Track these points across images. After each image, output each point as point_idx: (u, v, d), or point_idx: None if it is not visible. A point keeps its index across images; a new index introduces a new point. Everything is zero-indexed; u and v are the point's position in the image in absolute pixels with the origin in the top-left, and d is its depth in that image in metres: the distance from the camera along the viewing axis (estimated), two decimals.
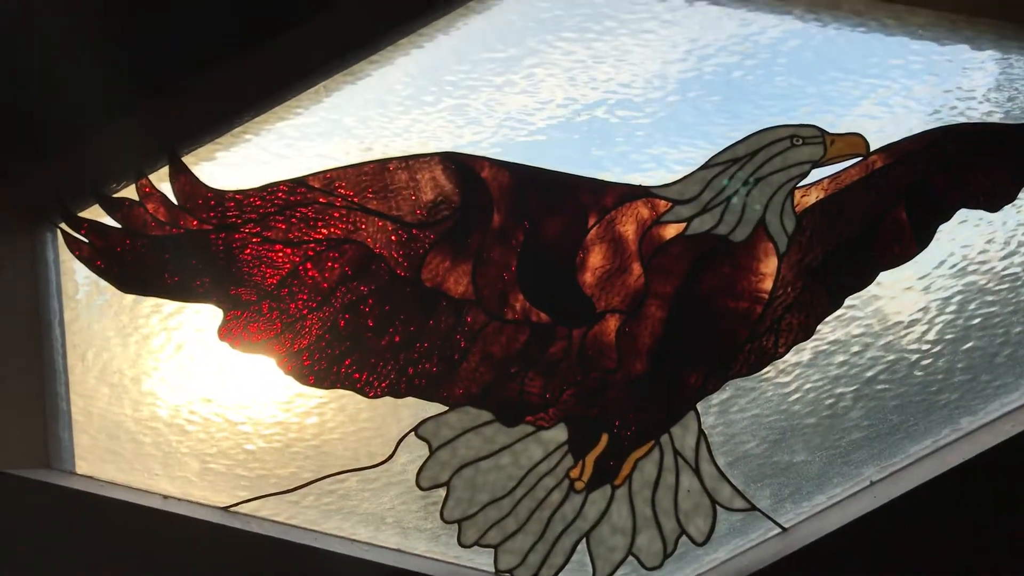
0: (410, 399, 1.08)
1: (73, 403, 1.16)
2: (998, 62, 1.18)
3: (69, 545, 1.11)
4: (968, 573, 1.10)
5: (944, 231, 1.09)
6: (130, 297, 1.13)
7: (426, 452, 1.09)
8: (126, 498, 1.11)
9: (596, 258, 1.09)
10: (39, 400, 1.14)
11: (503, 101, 1.17)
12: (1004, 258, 1.16)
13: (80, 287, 1.16)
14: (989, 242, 1.15)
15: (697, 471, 1.11)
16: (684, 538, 1.10)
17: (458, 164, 1.07)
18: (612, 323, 1.10)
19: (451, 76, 1.16)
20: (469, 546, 1.10)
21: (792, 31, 1.16)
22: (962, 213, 1.10)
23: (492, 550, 1.10)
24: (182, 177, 1.03)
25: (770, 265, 1.10)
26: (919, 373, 1.13)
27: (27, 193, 1.11)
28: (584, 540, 1.11)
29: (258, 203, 1.04)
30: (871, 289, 1.10)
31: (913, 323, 1.14)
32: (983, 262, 1.15)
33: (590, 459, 1.10)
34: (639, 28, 1.15)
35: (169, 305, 1.13)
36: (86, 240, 1.03)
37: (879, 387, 1.14)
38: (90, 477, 1.14)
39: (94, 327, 1.16)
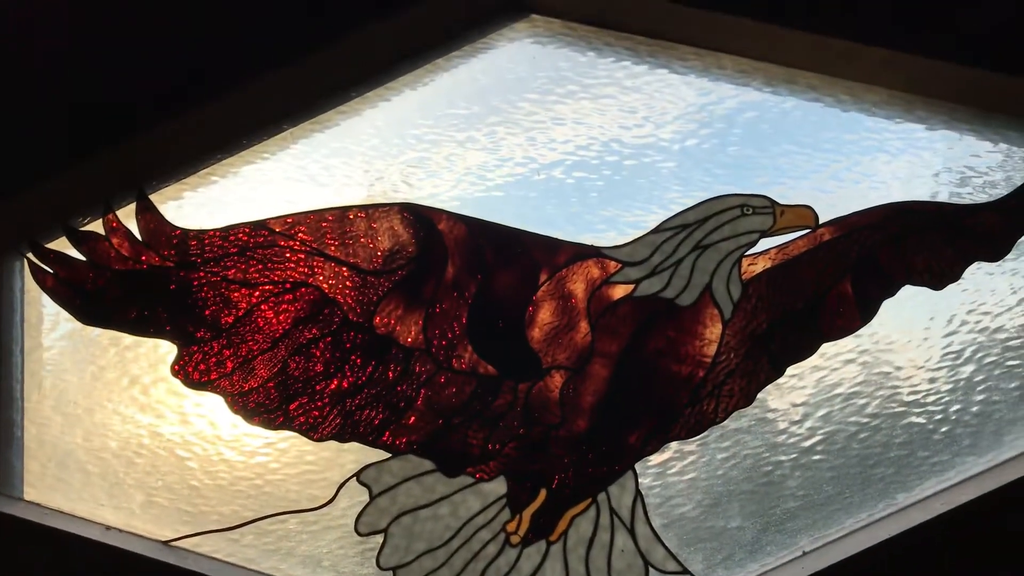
0: (354, 444, 1.14)
1: (26, 430, 1.22)
2: (949, 143, 1.24)
3: (11, 572, 1.16)
4: None
5: (887, 306, 1.14)
6: (91, 329, 1.19)
7: (367, 498, 1.13)
8: (69, 528, 1.16)
9: (545, 314, 1.14)
10: None
11: (464, 156, 1.24)
12: (945, 336, 1.21)
13: (43, 317, 1.23)
14: (932, 319, 1.20)
15: (632, 531, 1.14)
16: None
17: (416, 215, 1.13)
18: (557, 379, 1.15)
19: (415, 129, 1.25)
20: None
21: (749, 102, 1.24)
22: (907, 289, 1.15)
23: None
24: (148, 214, 1.09)
25: (714, 331, 1.15)
26: (856, 446, 1.18)
27: None
28: None
29: (219, 244, 1.10)
30: (813, 360, 1.15)
31: (853, 395, 1.19)
32: (925, 339, 1.20)
33: (527, 514, 1.14)
34: (599, 93, 1.23)
35: (127, 339, 1.19)
36: (51, 271, 1.09)
37: (816, 457, 1.18)
38: (37, 504, 1.19)
39: (53, 356, 1.23)
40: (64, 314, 1.12)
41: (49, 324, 1.23)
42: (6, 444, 1.20)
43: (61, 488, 1.20)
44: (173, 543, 1.16)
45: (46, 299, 1.14)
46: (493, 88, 1.24)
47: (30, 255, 1.10)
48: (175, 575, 1.14)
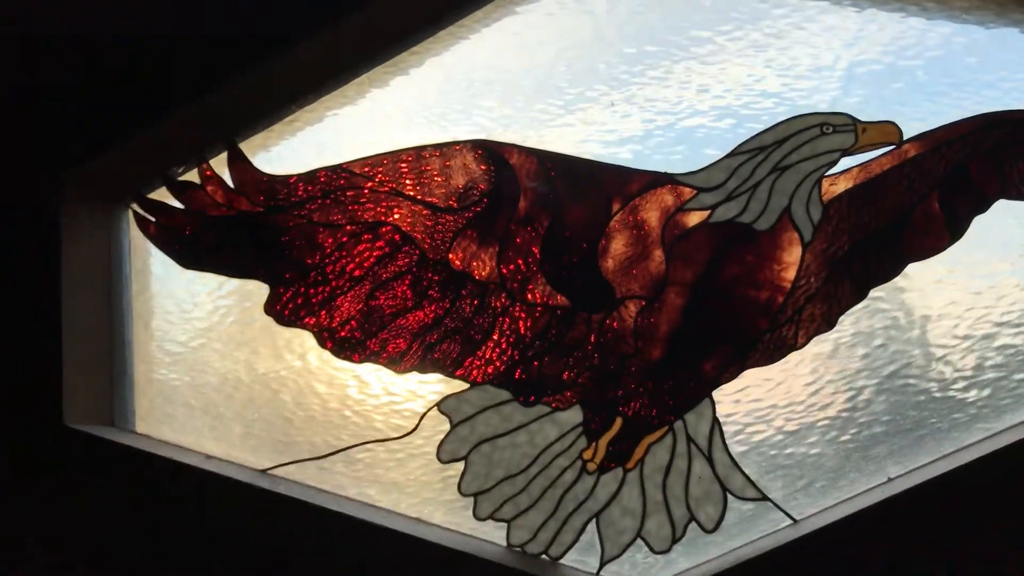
0: (435, 375, 1.24)
1: (136, 368, 1.38)
2: None
3: (126, 496, 1.32)
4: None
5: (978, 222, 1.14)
6: (189, 272, 1.31)
7: (447, 427, 1.23)
8: (176, 456, 1.31)
9: (618, 244, 1.21)
10: (107, 364, 1.36)
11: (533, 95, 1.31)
12: None
13: (147, 262, 1.39)
14: None
15: (710, 459, 1.20)
16: (693, 524, 1.20)
17: (488, 151, 1.21)
18: (632, 309, 1.21)
19: (486, 72, 1.32)
20: (483, 519, 1.23)
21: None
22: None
23: (505, 524, 1.23)
24: (238, 163, 1.22)
25: (794, 254, 1.18)
26: (945, 369, 1.18)
27: (104, 175, 1.34)
28: (594, 520, 1.22)
29: (303, 188, 1.21)
30: (898, 281, 1.17)
31: (941, 317, 1.19)
32: (1021, 256, 1.19)
33: (603, 442, 1.22)
34: None
35: (223, 280, 1.33)
36: (153, 219, 1.23)
37: (901, 382, 1.19)
38: (147, 436, 1.35)
39: (157, 299, 1.38)
40: (166, 259, 1.24)
41: (152, 269, 1.39)
42: (120, 381, 1.36)
43: (167, 421, 1.36)
44: (270, 471, 1.30)
45: (149, 246, 1.27)
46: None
47: (134, 205, 1.24)
48: (272, 500, 1.27)
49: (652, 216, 1.21)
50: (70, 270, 1.32)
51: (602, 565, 1.23)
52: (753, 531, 1.21)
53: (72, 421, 1.31)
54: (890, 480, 1.18)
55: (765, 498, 1.20)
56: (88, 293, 1.35)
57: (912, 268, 1.17)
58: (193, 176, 1.22)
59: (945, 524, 1.15)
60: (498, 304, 1.22)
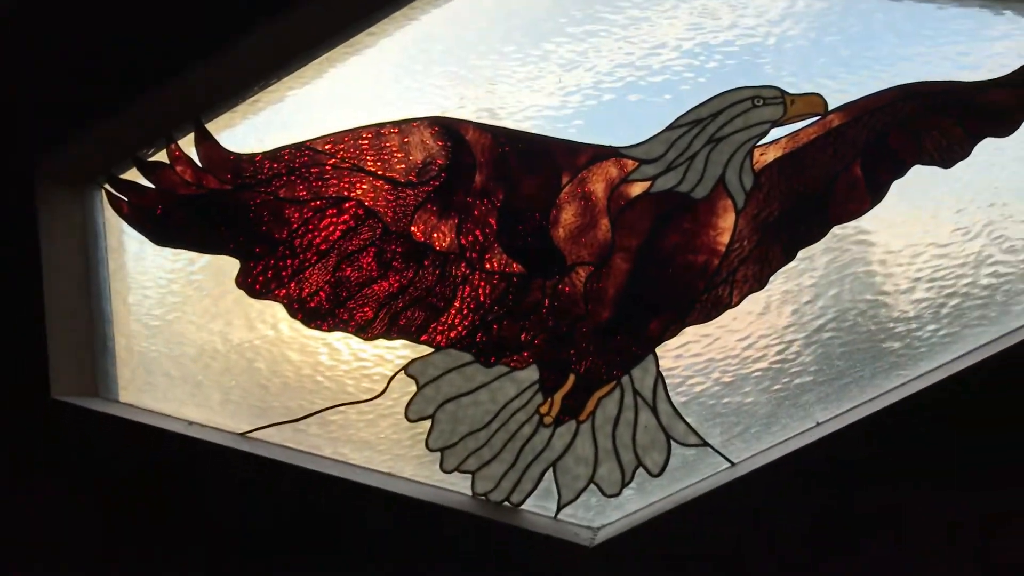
0: (401, 341, 1.33)
1: (117, 342, 1.47)
2: (959, 21, 1.31)
3: (113, 462, 1.42)
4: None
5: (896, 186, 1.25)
6: (163, 249, 1.38)
7: (414, 388, 1.33)
8: (158, 424, 1.41)
9: (568, 215, 1.30)
10: (89, 339, 1.45)
11: (492, 66, 1.39)
12: (956, 212, 1.32)
13: (121, 240, 1.47)
14: (940, 197, 1.30)
15: (654, 409, 1.32)
16: (641, 470, 1.32)
17: (445, 127, 1.29)
18: (582, 274, 1.31)
19: (441, 45, 1.39)
20: (450, 472, 1.34)
21: None
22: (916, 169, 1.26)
23: (470, 476, 1.34)
24: (205, 142, 1.28)
25: (728, 220, 1.29)
26: (866, 322, 1.31)
27: (76, 158, 1.41)
28: (551, 469, 1.34)
29: (268, 165, 1.28)
30: (824, 242, 1.28)
31: (864, 275, 1.32)
32: (932, 216, 1.30)
33: (558, 397, 1.33)
34: None
35: (195, 256, 1.42)
36: (125, 199, 1.30)
37: (827, 335, 1.32)
38: (130, 405, 1.44)
39: (133, 275, 1.47)
40: (140, 237, 1.31)
41: (126, 247, 1.46)
42: (102, 354, 1.45)
43: (149, 390, 1.45)
44: (248, 434, 1.40)
45: (123, 224, 1.35)
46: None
47: (107, 186, 1.31)
48: (251, 462, 1.37)
49: (598, 188, 1.30)
50: (49, 251, 1.40)
51: (559, 509, 1.34)
52: (695, 474, 1.33)
53: (58, 394, 1.40)
54: (818, 424, 1.31)
55: (705, 444, 1.33)
56: (67, 272, 1.43)
57: (836, 230, 1.28)
58: (163, 157, 1.28)
59: (868, 463, 1.28)
60: (459, 273, 1.31)
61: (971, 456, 1.26)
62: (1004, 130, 1.28)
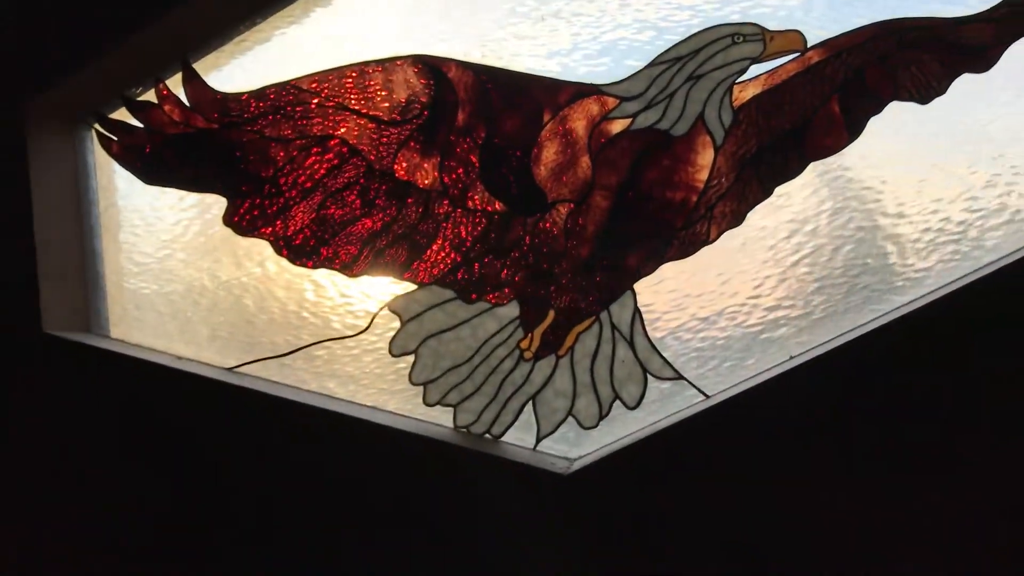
0: (385, 278, 1.37)
1: (107, 279, 1.52)
2: None
3: (103, 396, 1.47)
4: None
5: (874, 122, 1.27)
6: (152, 187, 1.42)
7: (398, 324, 1.37)
8: (149, 358, 1.46)
9: (549, 152, 1.33)
10: (79, 275, 1.50)
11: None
12: (929, 150, 1.33)
13: (111, 179, 1.51)
14: (916, 134, 1.32)
15: (631, 344, 1.35)
16: (618, 403, 1.35)
17: (428, 65, 1.32)
18: (562, 211, 1.34)
19: None
20: (432, 405, 1.39)
21: None
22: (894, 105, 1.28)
23: (452, 409, 1.39)
24: (193, 82, 1.31)
25: (707, 157, 1.31)
26: (841, 258, 1.34)
27: (66, 99, 1.45)
28: (531, 402, 1.38)
29: (254, 104, 1.32)
30: (801, 178, 1.31)
31: (839, 211, 1.34)
32: (910, 148, 1.32)
33: (538, 332, 1.37)
34: None
35: (183, 194, 1.46)
36: (115, 138, 1.33)
37: (803, 270, 1.35)
38: (121, 340, 1.49)
39: (123, 214, 1.51)
40: (130, 175, 1.35)
41: (116, 185, 1.51)
42: (93, 291, 1.51)
43: (139, 327, 1.51)
44: (236, 369, 1.45)
45: (113, 163, 1.37)
46: None
47: (96, 125, 1.35)
48: (239, 395, 1.42)
49: (579, 125, 1.33)
50: (39, 190, 1.45)
51: (538, 441, 1.38)
52: (671, 407, 1.37)
53: (50, 328, 1.45)
54: (792, 358, 1.34)
55: (680, 377, 1.36)
56: (58, 210, 1.48)
57: (814, 166, 1.30)
58: (151, 97, 1.32)
59: (841, 394, 1.30)
60: (441, 211, 1.35)
61: (930, 393, 1.30)
62: (981, 65, 1.29)
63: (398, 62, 1.32)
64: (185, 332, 1.48)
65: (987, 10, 1.29)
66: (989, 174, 1.35)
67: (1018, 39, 1.28)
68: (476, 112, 1.33)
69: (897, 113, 1.28)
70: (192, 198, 1.46)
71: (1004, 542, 1.29)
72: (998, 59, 1.29)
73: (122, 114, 1.34)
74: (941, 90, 1.29)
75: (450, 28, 1.41)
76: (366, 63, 1.31)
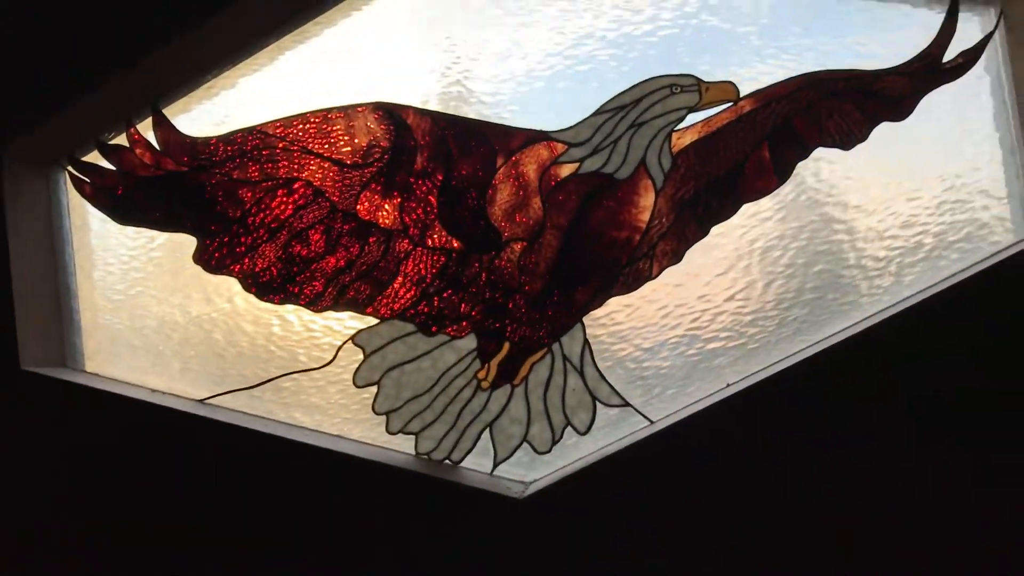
0: (349, 312, 1.45)
1: (83, 315, 1.59)
2: (860, 13, 1.45)
3: (81, 428, 1.53)
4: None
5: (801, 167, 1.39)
6: (125, 227, 1.50)
7: (361, 357, 1.45)
8: (123, 391, 1.53)
9: (503, 194, 1.43)
10: (57, 313, 1.57)
11: (429, 58, 1.50)
12: (855, 193, 1.46)
13: (85, 219, 1.58)
14: (847, 177, 1.45)
15: (582, 373, 1.46)
16: (570, 428, 1.45)
17: (387, 112, 1.41)
18: (516, 249, 1.44)
19: (384, 36, 1.51)
20: (395, 433, 1.47)
21: None
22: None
23: (413, 437, 1.47)
24: (163, 126, 1.39)
25: (648, 199, 1.42)
26: (772, 293, 1.46)
27: (41, 142, 1.52)
28: (488, 429, 1.47)
29: (222, 148, 1.40)
30: (735, 219, 1.42)
31: (770, 248, 1.46)
32: (831, 195, 1.45)
33: (494, 363, 1.46)
34: None
35: (155, 234, 1.53)
36: (88, 180, 1.41)
37: (736, 304, 1.46)
38: (96, 374, 1.56)
39: (97, 252, 1.58)
40: (103, 216, 1.42)
41: (90, 226, 1.58)
42: (68, 327, 1.57)
43: (114, 361, 1.57)
44: (207, 401, 1.52)
45: (87, 204, 1.44)
46: None
47: (70, 168, 1.42)
48: (210, 426, 1.49)
49: (531, 169, 1.43)
50: (16, 230, 1.52)
51: (495, 466, 1.48)
52: (618, 432, 1.47)
53: (27, 365, 1.51)
54: (729, 386, 1.45)
55: (627, 404, 1.47)
56: (34, 250, 1.55)
57: (746, 207, 1.42)
58: (123, 140, 1.39)
59: (774, 419, 1.42)
60: (402, 248, 1.44)
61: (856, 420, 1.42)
62: (899, 114, 1.42)
63: (359, 109, 1.41)
64: (158, 365, 1.55)
65: (902, 64, 1.42)
66: (906, 214, 1.48)
67: (931, 90, 1.42)
68: (434, 156, 1.42)
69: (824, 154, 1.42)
70: (163, 237, 1.53)
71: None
72: (914, 108, 1.42)
73: (95, 157, 1.42)
74: (862, 137, 1.42)
75: (409, 81, 1.51)
76: (329, 109, 1.40)
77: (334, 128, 1.40)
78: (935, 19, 1.45)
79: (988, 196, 1.51)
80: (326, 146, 1.40)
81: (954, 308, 1.40)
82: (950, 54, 1.46)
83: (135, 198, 1.40)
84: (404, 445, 1.48)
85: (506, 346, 1.46)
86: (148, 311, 1.57)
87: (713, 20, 1.48)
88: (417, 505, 1.46)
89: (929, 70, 1.44)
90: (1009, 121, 1.51)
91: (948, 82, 1.46)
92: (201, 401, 1.52)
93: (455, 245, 1.44)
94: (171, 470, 1.53)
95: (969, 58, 1.47)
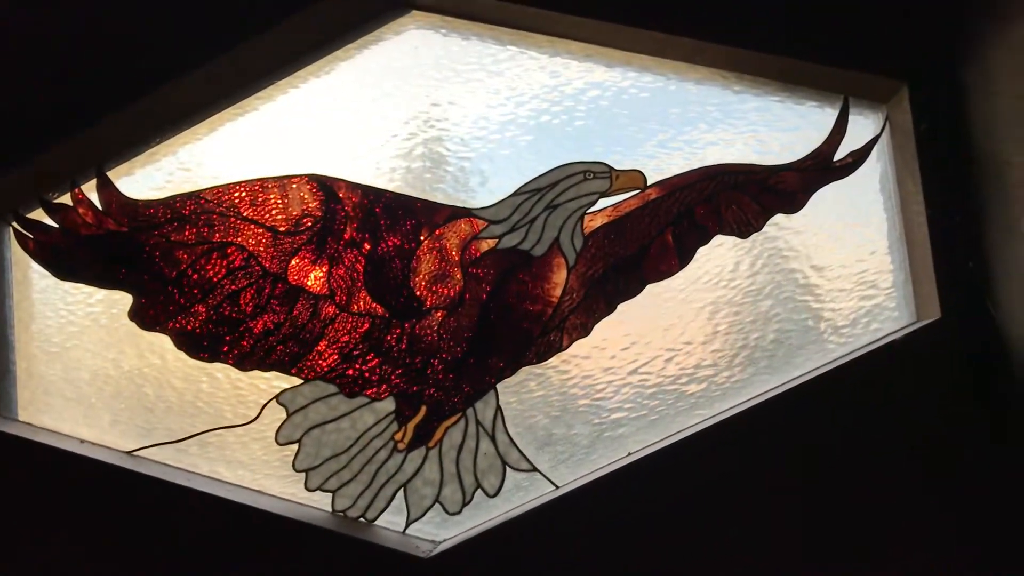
0: (274, 372, 1.55)
1: (18, 365, 1.66)
2: (759, 112, 1.61)
3: (8, 476, 1.60)
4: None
5: (702, 252, 1.52)
6: (64, 283, 1.60)
7: (284, 415, 1.54)
8: (53, 442, 1.60)
9: (426, 265, 1.54)
10: None
11: (365, 134, 1.63)
12: (749, 276, 1.60)
13: (27, 274, 1.66)
14: (737, 263, 1.58)
15: (493, 438, 1.56)
16: (479, 491, 1.55)
17: (320, 184, 1.52)
18: (437, 317, 1.54)
19: (318, 112, 1.63)
20: (313, 490, 1.56)
21: (592, 83, 1.60)
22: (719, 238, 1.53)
23: (330, 494, 1.56)
24: (106, 188, 1.49)
25: (561, 276, 1.54)
26: (672, 367, 1.58)
27: None
28: (402, 489, 1.56)
29: (162, 211, 1.50)
30: (639, 298, 1.55)
31: (671, 326, 1.58)
32: (731, 279, 1.58)
33: (411, 426, 1.56)
34: (469, 77, 1.61)
35: (93, 290, 1.62)
36: (31, 236, 1.50)
37: (639, 378, 1.58)
38: (28, 424, 1.64)
39: (36, 306, 1.66)
40: (43, 272, 1.51)
41: (31, 280, 1.66)
42: (3, 376, 1.64)
43: (46, 411, 1.64)
44: (134, 453, 1.60)
45: (29, 259, 1.53)
46: (384, 74, 1.63)
47: (15, 224, 1.51)
48: (136, 479, 1.56)
49: (453, 243, 1.54)
50: None
51: (408, 525, 1.57)
52: (526, 496, 1.57)
53: None
54: (630, 455, 1.56)
55: (535, 469, 1.57)
56: None
57: (651, 287, 1.55)
58: (67, 200, 1.49)
59: (673, 489, 1.53)
60: (328, 313, 1.54)
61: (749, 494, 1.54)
62: (792, 207, 1.57)
63: (294, 180, 1.51)
64: (89, 417, 1.63)
65: (796, 161, 1.57)
66: (798, 299, 1.62)
67: (822, 186, 1.57)
68: (362, 227, 1.53)
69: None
70: (101, 294, 1.62)
71: None
72: (806, 203, 1.57)
73: (39, 214, 1.51)
74: (758, 227, 1.56)
75: (339, 152, 1.63)
76: (265, 179, 1.51)
77: (269, 197, 1.51)
78: (828, 120, 1.61)
79: (873, 287, 1.65)
80: (261, 214, 1.51)
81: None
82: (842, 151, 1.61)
83: (76, 255, 1.48)
84: (322, 502, 1.57)
85: (423, 409, 1.56)
86: (83, 364, 1.65)
87: (624, 112, 1.62)
88: (330, 561, 1.54)
89: (821, 167, 1.60)
90: (894, 218, 1.66)
91: (838, 179, 1.61)
92: (129, 453, 1.60)
93: (379, 311, 1.55)
94: (96, 519, 1.59)
95: (857, 157, 1.62)
